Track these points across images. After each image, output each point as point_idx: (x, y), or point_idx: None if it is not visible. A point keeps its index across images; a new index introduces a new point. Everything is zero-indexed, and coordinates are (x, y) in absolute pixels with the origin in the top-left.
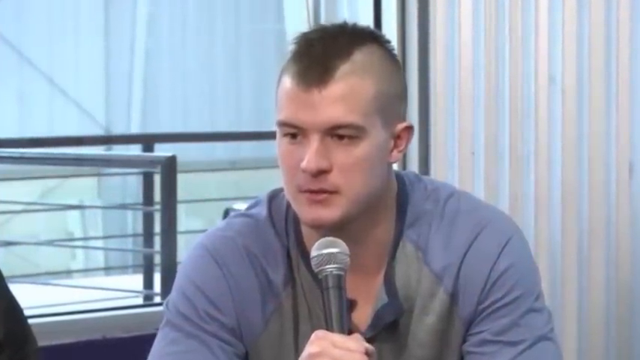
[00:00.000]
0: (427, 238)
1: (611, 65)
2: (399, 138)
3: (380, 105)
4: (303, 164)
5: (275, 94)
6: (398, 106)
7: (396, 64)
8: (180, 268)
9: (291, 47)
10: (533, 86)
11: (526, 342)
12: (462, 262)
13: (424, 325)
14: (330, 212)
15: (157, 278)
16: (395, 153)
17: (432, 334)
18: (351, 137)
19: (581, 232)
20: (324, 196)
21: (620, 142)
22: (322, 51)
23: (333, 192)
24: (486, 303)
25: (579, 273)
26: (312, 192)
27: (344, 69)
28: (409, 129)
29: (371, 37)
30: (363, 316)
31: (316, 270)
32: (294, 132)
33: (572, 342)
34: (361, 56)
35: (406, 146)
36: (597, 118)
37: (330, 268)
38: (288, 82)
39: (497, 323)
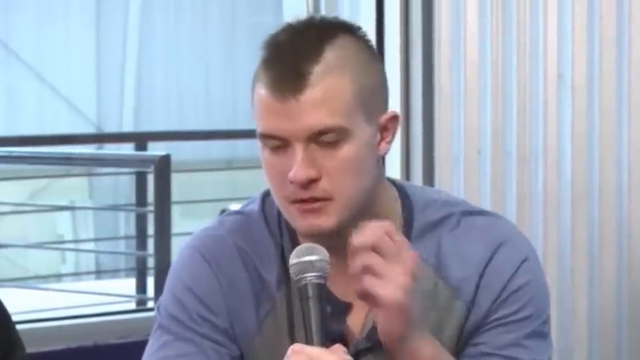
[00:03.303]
0: (438, 252)
1: (622, 62)
2: (385, 129)
3: (360, 101)
4: (291, 175)
5: (251, 102)
6: (379, 97)
7: (371, 52)
8: (170, 270)
9: (260, 52)
10: (541, 83)
11: None
12: (482, 274)
13: (439, 337)
14: (325, 220)
15: (151, 282)
16: (383, 145)
17: (446, 344)
18: (335, 141)
19: (592, 234)
20: (316, 204)
21: (632, 141)
22: (292, 55)
23: (325, 199)
24: (495, 315)
25: (590, 277)
26: (303, 201)
27: (317, 71)
28: (395, 118)
29: (341, 28)
30: (358, 321)
31: (295, 278)
32: (277, 144)
33: (583, 349)
34: (333, 53)
35: (393, 136)
36: (608, 117)
37: (309, 276)
38: (262, 91)
39: (501, 338)
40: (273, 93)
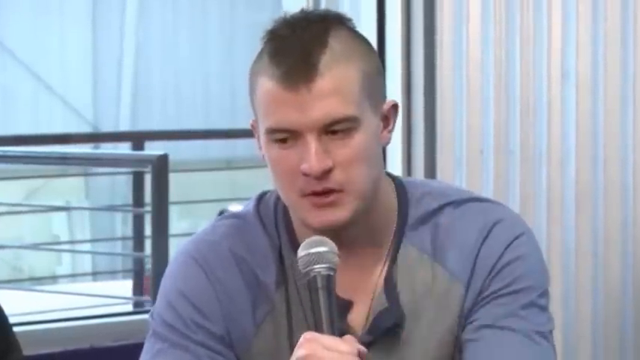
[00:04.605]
0: (434, 239)
1: (627, 59)
2: (386, 119)
3: (367, 90)
4: (305, 167)
5: (251, 99)
6: (381, 86)
7: (367, 42)
8: (164, 276)
9: (262, 46)
10: (545, 81)
11: (523, 332)
12: (477, 255)
13: (441, 325)
14: (340, 213)
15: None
16: (385, 133)
17: (447, 336)
18: (346, 130)
19: (596, 234)
20: (330, 197)
21: (637, 139)
22: (300, 46)
23: (339, 191)
24: (487, 292)
25: (594, 278)
26: (317, 194)
27: (326, 60)
28: (395, 107)
29: (337, 20)
30: (359, 317)
31: (304, 270)
32: (286, 136)
33: (588, 347)
34: (337, 42)
35: (394, 124)
36: (613, 115)
37: (319, 268)
38: (269, 84)
39: (496, 310)
40: (284, 84)
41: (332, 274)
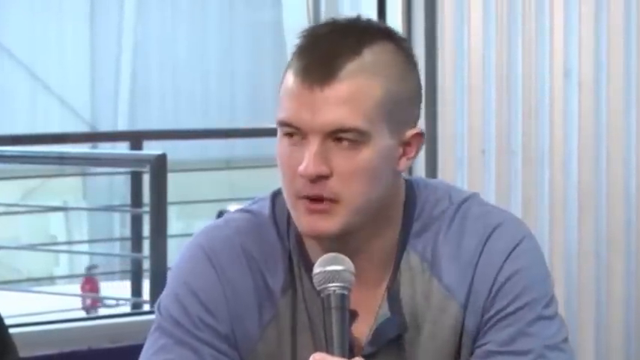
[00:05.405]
0: (435, 249)
1: (630, 59)
2: (408, 145)
3: (388, 109)
4: (301, 168)
5: (278, 91)
6: (409, 111)
7: (410, 64)
8: (173, 268)
9: (297, 41)
10: (547, 80)
11: (534, 352)
12: (474, 271)
13: (437, 341)
14: (329, 223)
15: (146, 285)
16: (404, 161)
17: (445, 351)
18: (352, 142)
19: (599, 236)
20: (323, 205)
21: None
22: (329, 48)
23: (333, 200)
24: (491, 312)
25: (597, 281)
26: (310, 199)
27: (350, 68)
28: (420, 135)
29: (385, 34)
30: (363, 328)
31: (318, 288)
32: (294, 132)
33: (590, 355)
34: (371, 55)
35: (416, 153)
36: (615, 115)
37: (333, 287)
38: (290, 78)
39: (503, 333)
40: (302, 81)
41: (346, 293)
